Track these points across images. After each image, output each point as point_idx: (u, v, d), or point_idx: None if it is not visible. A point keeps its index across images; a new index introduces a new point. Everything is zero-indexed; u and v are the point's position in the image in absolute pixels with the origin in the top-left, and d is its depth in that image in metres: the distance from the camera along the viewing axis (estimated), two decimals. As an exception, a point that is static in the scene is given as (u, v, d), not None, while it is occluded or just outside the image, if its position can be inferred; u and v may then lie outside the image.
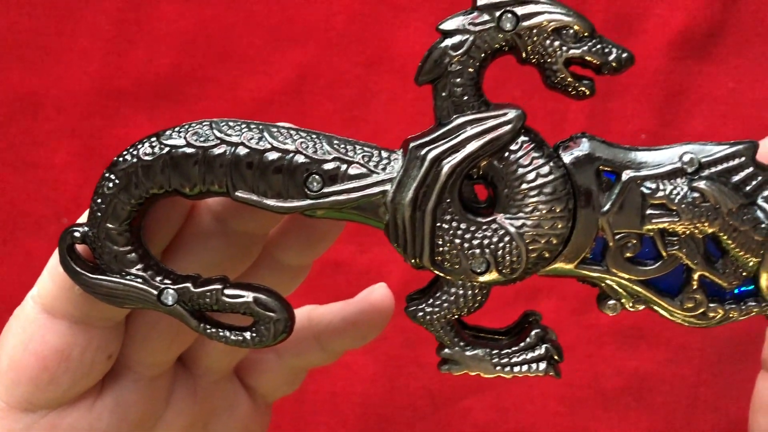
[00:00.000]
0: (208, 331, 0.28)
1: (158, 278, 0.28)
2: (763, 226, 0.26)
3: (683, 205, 0.26)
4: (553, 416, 0.54)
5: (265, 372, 0.35)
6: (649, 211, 0.27)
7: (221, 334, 0.28)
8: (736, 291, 0.28)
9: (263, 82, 0.55)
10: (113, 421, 0.31)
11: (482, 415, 0.54)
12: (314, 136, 0.27)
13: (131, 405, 0.31)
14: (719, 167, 0.27)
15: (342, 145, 0.27)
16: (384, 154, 0.27)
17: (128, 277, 0.28)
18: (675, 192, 0.26)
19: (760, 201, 0.27)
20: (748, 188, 0.27)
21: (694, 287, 0.27)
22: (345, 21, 0.54)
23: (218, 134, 0.27)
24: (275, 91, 0.55)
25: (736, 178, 0.27)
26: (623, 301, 0.28)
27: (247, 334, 0.28)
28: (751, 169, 0.27)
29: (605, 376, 0.54)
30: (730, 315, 0.27)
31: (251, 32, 0.55)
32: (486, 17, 0.26)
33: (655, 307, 0.28)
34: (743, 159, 0.27)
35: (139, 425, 0.32)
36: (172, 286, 0.28)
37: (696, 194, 0.26)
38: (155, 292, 0.28)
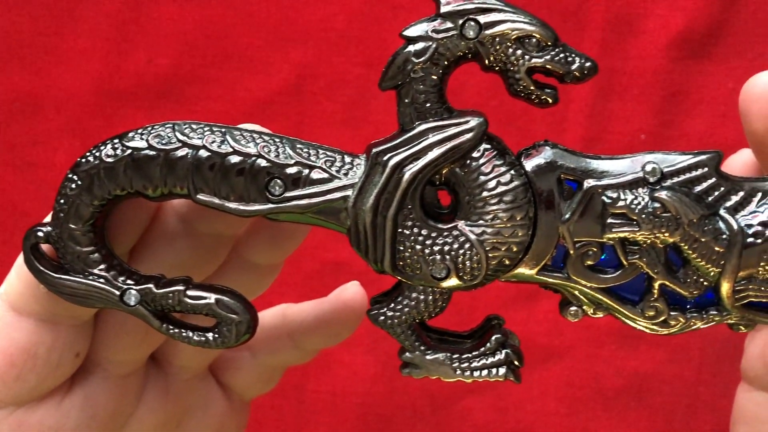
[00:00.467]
0: (171, 331, 0.28)
1: (121, 279, 0.28)
2: (723, 236, 0.26)
3: (644, 215, 0.26)
4: (553, 416, 0.54)
5: (239, 370, 0.35)
6: (609, 221, 0.27)
7: (184, 334, 0.28)
8: (697, 300, 0.28)
9: (263, 82, 0.55)
10: (82, 418, 0.31)
11: (482, 415, 0.55)
12: (277, 140, 0.27)
13: (101, 402, 0.31)
14: (681, 177, 0.27)
15: (305, 150, 0.27)
16: (347, 159, 0.27)
17: (91, 277, 0.28)
18: (636, 202, 0.26)
19: (722, 212, 0.27)
20: (710, 198, 0.27)
21: (655, 296, 0.27)
22: (345, 21, 0.54)
23: (180, 137, 0.27)
24: (275, 91, 0.55)
25: (698, 188, 0.27)
26: (585, 307, 0.28)
27: (210, 335, 0.28)
28: (713, 179, 0.27)
29: (605, 376, 0.54)
30: (692, 323, 0.28)
31: (251, 32, 0.55)
32: (449, 25, 0.26)
33: (617, 315, 0.28)
34: (706, 169, 0.27)
35: (110, 422, 0.32)
36: (134, 287, 0.28)
37: (657, 204, 0.26)
38: (117, 293, 0.28)
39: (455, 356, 0.29)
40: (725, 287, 0.27)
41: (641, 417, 0.54)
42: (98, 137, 0.58)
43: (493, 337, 0.29)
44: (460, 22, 0.26)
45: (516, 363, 0.29)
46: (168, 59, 0.55)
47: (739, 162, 0.31)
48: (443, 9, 0.26)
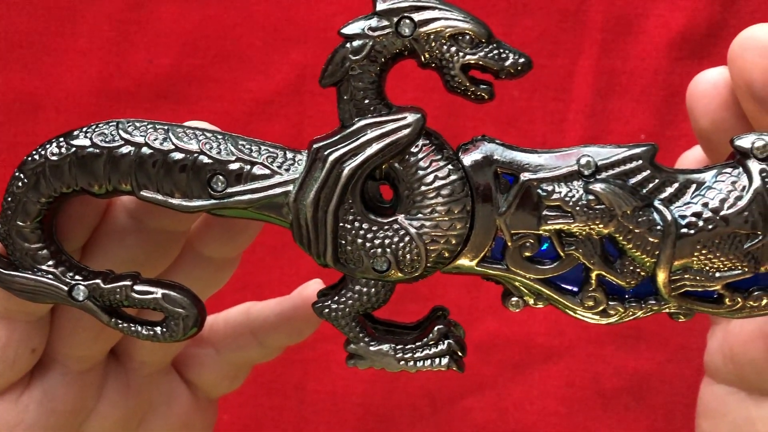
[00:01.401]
0: (120, 325, 0.29)
1: (69, 274, 0.29)
2: (658, 227, 0.27)
3: (578, 208, 0.27)
4: (553, 416, 0.54)
5: (204, 367, 0.36)
6: (545, 213, 0.27)
7: (133, 328, 0.29)
8: (636, 289, 0.28)
9: (263, 82, 0.55)
10: (41, 413, 0.32)
11: (482, 415, 0.55)
12: (219, 136, 0.28)
13: (60, 397, 0.32)
14: (616, 170, 0.27)
15: (247, 146, 0.28)
16: (289, 155, 0.28)
17: (40, 273, 0.29)
18: (570, 194, 0.27)
19: (656, 203, 0.27)
20: (644, 190, 0.27)
21: (593, 286, 0.28)
22: (345, 21, 0.54)
23: (123, 135, 0.28)
24: (275, 91, 0.55)
25: (633, 180, 0.27)
26: (526, 298, 0.29)
27: (158, 329, 0.29)
28: (648, 171, 0.27)
29: (605, 376, 0.54)
30: (632, 312, 0.28)
31: (251, 32, 0.55)
32: (385, 23, 0.27)
33: (558, 305, 0.28)
34: (640, 162, 0.27)
35: (70, 418, 0.33)
36: (82, 283, 0.29)
37: (591, 197, 0.27)
38: (66, 288, 0.29)
39: (399, 347, 0.29)
40: (661, 277, 0.27)
41: (641, 417, 0.54)
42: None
43: (436, 328, 0.29)
44: (396, 20, 0.27)
45: (459, 353, 0.30)
46: (168, 59, 0.55)
47: (691, 158, 0.32)
48: (379, 7, 0.27)
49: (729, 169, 0.27)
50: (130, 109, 0.56)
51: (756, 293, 0.28)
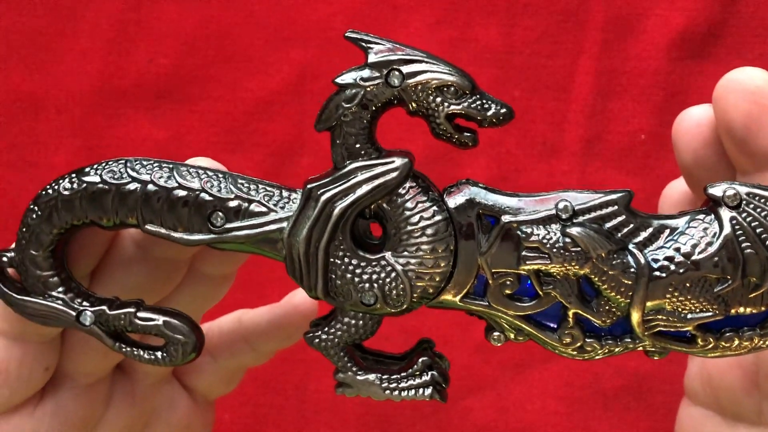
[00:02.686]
0: (124, 350, 0.31)
1: (78, 300, 0.31)
2: (632, 270, 0.28)
3: (555, 249, 0.28)
4: (553, 416, 0.54)
5: (201, 373, 0.38)
6: (524, 253, 0.29)
7: (135, 353, 0.31)
8: (612, 328, 0.29)
9: (263, 82, 0.55)
10: (54, 425, 0.33)
11: (482, 415, 0.55)
12: (220, 175, 0.30)
13: (71, 409, 0.34)
14: (593, 214, 0.28)
15: (245, 185, 0.30)
16: (285, 193, 0.30)
17: (50, 299, 0.31)
18: (548, 237, 0.28)
19: (630, 246, 0.28)
20: (619, 234, 0.28)
21: (571, 324, 0.29)
22: (345, 21, 0.55)
23: (131, 172, 0.30)
24: (275, 91, 0.55)
25: (608, 224, 0.28)
26: (507, 333, 0.30)
27: (159, 354, 0.31)
28: (623, 216, 0.28)
29: (605, 376, 0.54)
30: (609, 350, 0.29)
31: (251, 32, 0.55)
32: (376, 74, 0.29)
33: (537, 341, 0.30)
34: (616, 207, 0.28)
35: (81, 427, 0.34)
36: (89, 308, 0.30)
37: (567, 239, 0.28)
38: (74, 313, 0.30)
39: (384, 377, 0.31)
40: (635, 317, 0.28)
41: (641, 417, 0.54)
42: (98, 137, 0.59)
43: (420, 360, 0.31)
44: (385, 71, 0.29)
45: (442, 384, 0.31)
46: (168, 59, 0.55)
47: (676, 187, 0.33)
48: (371, 59, 0.29)
49: (701, 216, 0.28)
50: (130, 109, 0.56)
51: (727, 334, 0.29)
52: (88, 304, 0.30)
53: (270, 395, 0.55)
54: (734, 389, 0.33)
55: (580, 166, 0.54)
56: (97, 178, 0.30)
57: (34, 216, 0.30)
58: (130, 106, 0.56)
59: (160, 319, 0.30)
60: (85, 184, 0.30)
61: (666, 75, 0.54)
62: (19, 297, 0.30)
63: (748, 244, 0.28)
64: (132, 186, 0.29)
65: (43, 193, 0.30)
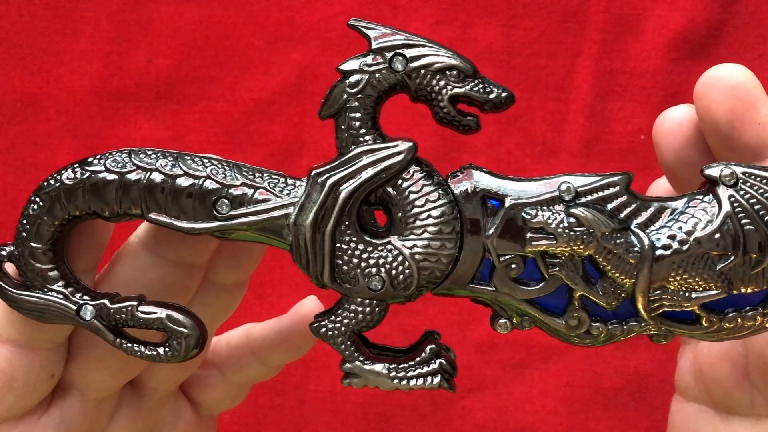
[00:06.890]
0: (125, 345, 0.30)
1: (78, 295, 0.30)
2: (635, 249, 0.29)
3: (559, 230, 0.29)
4: (553, 416, 0.54)
5: (209, 387, 0.38)
6: (529, 235, 0.29)
7: (136, 348, 0.30)
8: (618, 312, 0.30)
9: (263, 82, 0.55)
10: None
11: (482, 415, 0.55)
12: (225, 164, 0.30)
13: (77, 422, 0.33)
14: (595, 195, 0.29)
15: (250, 173, 0.30)
16: (289, 181, 0.30)
17: (50, 293, 0.30)
18: (552, 217, 0.29)
19: (633, 226, 0.29)
20: (622, 215, 0.29)
21: (577, 307, 0.29)
22: (345, 21, 0.54)
23: (136, 161, 0.30)
24: (275, 91, 0.55)
25: (610, 205, 0.29)
26: (513, 320, 0.30)
27: (161, 349, 0.30)
28: (625, 197, 0.29)
29: (604, 376, 0.54)
30: (614, 334, 0.30)
31: (251, 32, 0.55)
32: (379, 59, 0.29)
33: (542, 327, 0.30)
34: (617, 188, 0.29)
35: None
36: (90, 302, 0.30)
37: (572, 219, 0.29)
38: (74, 307, 0.30)
39: (392, 366, 0.31)
40: (640, 297, 0.29)
41: (641, 417, 0.54)
42: (98, 137, 0.59)
43: (428, 348, 0.31)
44: (389, 56, 0.29)
45: (450, 372, 0.31)
46: (168, 59, 0.55)
47: (660, 187, 0.35)
48: (374, 45, 0.29)
49: (700, 196, 0.29)
50: (130, 109, 0.56)
51: (731, 314, 0.29)
52: (88, 299, 0.30)
53: (270, 395, 0.55)
54: (725, 382, 0.34)
55: (580, 167, 0.54)
56: (101, 168, 0.29)
57: (36, 207, 0.30)
58: (129, 106, 0.56)
59: (162, 313, 0.30)
60: (88, 173, 0.29)
61: (665, 75, 0.54)
62: (16, 292, 0.30)
63: (748, 220, 0.28)
64: (136, 175, 0.29)
65: (45, 183, 0.30)
